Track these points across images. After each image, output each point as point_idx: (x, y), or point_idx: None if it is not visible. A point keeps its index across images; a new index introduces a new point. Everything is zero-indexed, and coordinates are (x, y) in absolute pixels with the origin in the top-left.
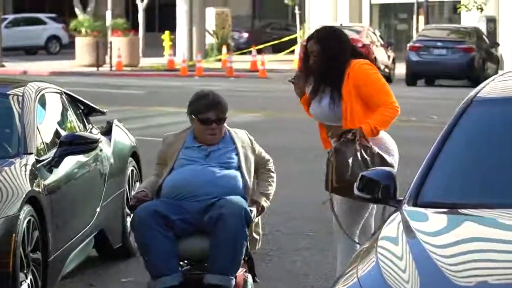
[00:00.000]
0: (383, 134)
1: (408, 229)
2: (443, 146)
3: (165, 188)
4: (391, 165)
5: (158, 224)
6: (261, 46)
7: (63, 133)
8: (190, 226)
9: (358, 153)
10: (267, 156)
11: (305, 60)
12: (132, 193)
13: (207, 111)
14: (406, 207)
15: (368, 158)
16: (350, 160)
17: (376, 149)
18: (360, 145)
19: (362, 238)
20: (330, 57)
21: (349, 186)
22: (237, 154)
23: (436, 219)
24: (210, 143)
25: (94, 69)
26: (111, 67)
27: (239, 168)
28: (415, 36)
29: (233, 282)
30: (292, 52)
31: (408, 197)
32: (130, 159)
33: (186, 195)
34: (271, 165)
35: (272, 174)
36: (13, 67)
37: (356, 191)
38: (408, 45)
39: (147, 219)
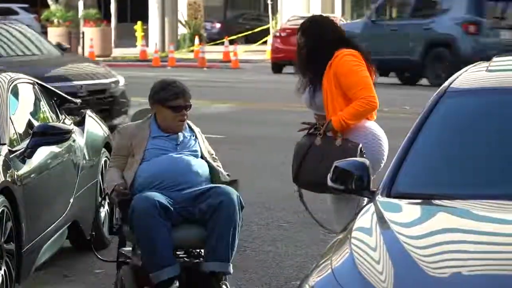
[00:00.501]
0: (370, 124)
1: (381, 220)
2: (417, 137)
3: (142, 178)
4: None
5: (160, 215)
6: (233, 37)
7: (36, 123)
8: (179, 216)
9: (318, 147)
10: (210, 147)
11: (298, 52)
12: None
13: (177, 98)
14: (379, 198)
15: (326, 152)
16: (301, 154)
17: (339, 142)
18: (323, 138)
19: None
20: (312, 46)
21: (304, 181)
22: (198, 143)
23: (410, 210)
24: (178, 131)
25: None
26: None
27: (201, 156)
28: None
29: (231, 269)
30: (265, 42)
31: (381, 188)
32: (103, 150)
33: (167, 184)
34: (215, 155)
35: (219, 163)
36: None
37: (329, 182)
38: None
39: (150, 209)
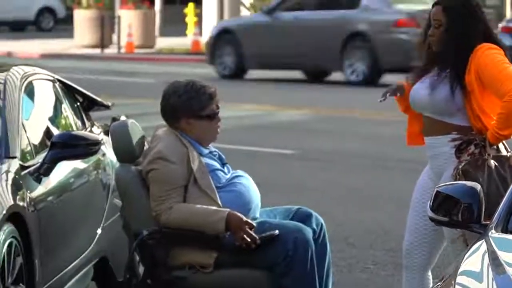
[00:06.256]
0: None
1: (495, 262)
2: None
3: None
4: None
5: None
6: None
7: (55, 132)
8: None
9: (494, 171)
10: None
11: (426, 30)
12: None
13: (211, 102)
14: (493, 234)
15: (507, 174)
16: (484, 184)
17: None
18: (494, 158)
19: (425, 274)
20: (457, 33)
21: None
22: None
23: None
24: (214, 140)
25: (97, 51)
26: (119, 48)
27: None
28: (509, 14)
29: None
30: None
31: (496, 220)
32: None
33: (254, 217)
34: None
35: None
36: None
37: (429, 212)
38: (500, 25)
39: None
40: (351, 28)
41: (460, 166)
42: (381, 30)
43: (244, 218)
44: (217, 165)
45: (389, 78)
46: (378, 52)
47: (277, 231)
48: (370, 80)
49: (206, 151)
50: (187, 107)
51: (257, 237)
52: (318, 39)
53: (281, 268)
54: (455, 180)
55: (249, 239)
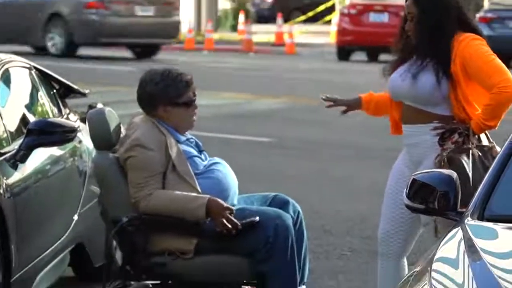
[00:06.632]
0: None
1: (471, 249)
2: None
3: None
4: None
5: None
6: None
7: (32, 118)
8: None
9: (477, 160)
10: None
11: (403, 25)
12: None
13: (188, 90)
14: (469, 221)
15: (489, 164)
16: (470, 172)
17: (497, 151)
18: (477, 148)
19: (400, 261)
20: (429, 24)
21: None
22: None
23: (507, 236)
24: (192, 127)
25: None
26: None
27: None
28: (486, 4)
29: None
30: (329, 22)
31: (472, 208)
32: None
33: (233, 202)
34: None
35: None
36: None
37: (405, 199)
38: (478, 15)
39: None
40: (52, 9)
41: (445, 154)
42: (74, 11)
43: (225, 204)
44: (194, 152)
45: (84, 51)
46: (73, 29)
47: (257, 218)
48: (67, 52)
49: (183, 138)
50: (164, 94)
51: (239, 223)
52: (28, 18)
53: (261, 255)
54: (439, 167)
55: (229, 225)
